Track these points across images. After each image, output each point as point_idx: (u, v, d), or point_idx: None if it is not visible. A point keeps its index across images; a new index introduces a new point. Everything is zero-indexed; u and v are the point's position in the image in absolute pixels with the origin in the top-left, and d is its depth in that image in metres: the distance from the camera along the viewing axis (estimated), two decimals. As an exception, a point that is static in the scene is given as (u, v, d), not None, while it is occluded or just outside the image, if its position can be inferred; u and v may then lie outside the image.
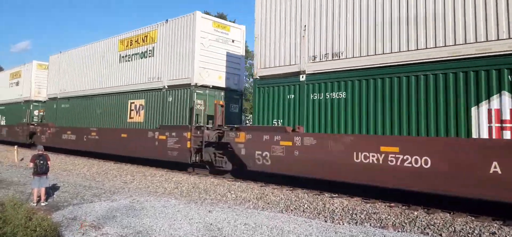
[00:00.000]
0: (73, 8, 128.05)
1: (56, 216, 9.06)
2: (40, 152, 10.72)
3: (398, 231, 8.31)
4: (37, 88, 31.86)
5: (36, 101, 31.62)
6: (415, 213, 9.34)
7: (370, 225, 8.77)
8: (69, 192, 12.24)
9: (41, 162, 10.50)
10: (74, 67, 25.41)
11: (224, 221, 8.58)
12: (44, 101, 29.98)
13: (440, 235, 8.01)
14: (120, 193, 12.23)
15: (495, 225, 8.26)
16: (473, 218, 8.84)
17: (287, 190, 12.46)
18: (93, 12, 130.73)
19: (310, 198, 11.18)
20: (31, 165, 10.63)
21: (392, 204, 10.27)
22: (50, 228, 7.69)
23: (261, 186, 13.28)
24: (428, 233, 8.12)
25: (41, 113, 30.42)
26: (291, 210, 10.22)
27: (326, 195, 11.64)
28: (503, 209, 8.93)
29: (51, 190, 11.74)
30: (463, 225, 8.28)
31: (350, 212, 9.66)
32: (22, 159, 21.82)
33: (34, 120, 31.09)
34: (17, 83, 34.46)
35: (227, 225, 8.24)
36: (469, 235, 7.85)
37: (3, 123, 35.81)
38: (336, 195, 11.58)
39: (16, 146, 25.08)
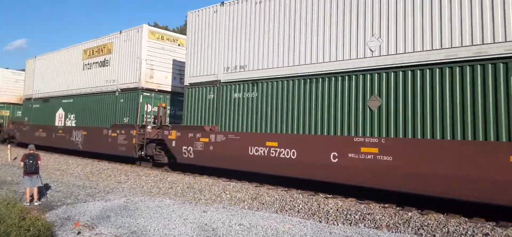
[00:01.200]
0: (69, 6, 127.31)
1: (50, 215, 9.00)
2: (31, 151, 10.64)
3: (392, 232, 8.36)
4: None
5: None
6: (409, 214, 9.39)
7: (365, 225, 8.80)
8: (63, 192, 12.17)
9: (31, 161, 10.41)
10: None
11: (218, 221, 8.57)
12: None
13: (434, 236, 8.05)
14: (114, 192, 12.18)
15: (488, 226, 8.33)
16: (466, 219, 8.91)
17: (281, 190, 12.48)
18: (89, 11, 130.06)
19: (305, 198, 11.21)
20: (22, 164, 10.56)
21: (386, 205, 10.33)
22: (43, 228, 7.64)
23: (256, 186, 13.29)
24: (421, 234, 8.17)
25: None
26: (286, 210, 10.24)
27: (321, 195, 11.67)
28: (495, 211, 9.02)
29: (44, 190, 11.66)
30: (456, 226, 8.34)
31: (345, 212, 9.70)
32: (15, 158, 21.67)
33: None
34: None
35: (222, 226, 8.23)
36: (462, 236, 7.90)
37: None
38: (331, 195, 11.63)
39: (9, 145, 25.48)
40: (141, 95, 18.87)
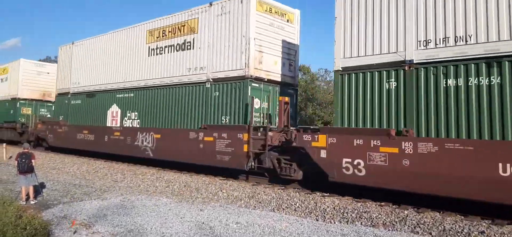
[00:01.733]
0: (65, 5, 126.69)
1: (46, 214, 8.98)
2: (25, 150, 10.67)
3: (389, 230, 8.39)
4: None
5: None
6: (406, 212, 9.44)
7: (361, 223, 8.84)
8: (59, 191, 12.13)
9: (23, 160, 10.40)
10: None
11: (216, 220, 8.58)
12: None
13: (430, 233, 8.10)
14: (110, 191, 12.15)
15: (484, 223, 8.38)
16: (462, 217, 8.96)
17: (278, 188, 12.49)
18: (84, 10, 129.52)
19: (302, 197, 11.23)
20: (16, 163, 10.57)
21: (382, 203, 10.36)
22: (40, 226, 7.63)
23: (252, 184, 13.30)
24: (418, 232, 8.21)
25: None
26: (283, 209, 10.26)
27: (318, 194, 11.69)
28: (491, 208, 9.07)
29: (40, 188, 11.62)
30: (452, 224, 8.38)
31: (341, 211, 9.73)
32: (10, 157, 21.56)
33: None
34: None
35: (219, 224, 8.24)
36: (458, 234, 7.95)
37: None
38: (328, 194, 11.65)
39: (4, 144, 24.55)
40: (249, 87, 14.20)
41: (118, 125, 19.63)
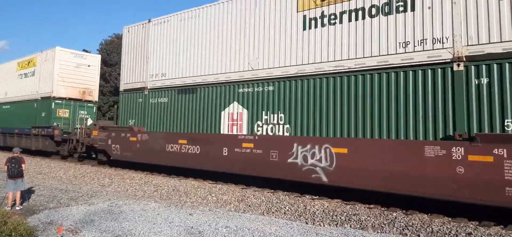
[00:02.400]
0: (53, 7, 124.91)
1: (32, 220, 8.81)
2: (15, 155, 10.53)
3: (378, 232, 8.43)
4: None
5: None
6: (394, 214, 9.50)
7: (350, 226, 8.86)
8: (45, 196, 11.93)
9: (13, 165, 10.27)
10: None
11: (205, 224, 8.51)
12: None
13: (418, 235, 8.16)
14: (98, 196, 11.99)
15: (471, 225, 8.48)
16: (450, 219, 9.06)
17: (268, 192, 12.47)
18: (74, 12, 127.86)
19: (291, 200, 11.22)
20: (6, 168, 10.41)
21: (371, 206, 10.42)
22: (26, 233, 7.48)
23: (242, 188, 13.26)
24: (406, 234, 8.27)
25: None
26: (273, 212, 10.24)
27: (307, 197, 11.70)
28: (476, 210, 9.18)
29: (26, 194, 11.41)
30: (440, 226, 8.46)
31: (331, 213, 9.75)
32: (-5, 162, 21.14)
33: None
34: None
35: (208, 228, 8.18)
36: (446, 236, 8.03)
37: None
38: (317, 197, 11.66)
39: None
40: None
41: (246, 132, 13.62)
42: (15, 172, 10.25)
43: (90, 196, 12.02)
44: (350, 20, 11.49)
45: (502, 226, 8.46)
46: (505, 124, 8.69)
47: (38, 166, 19.85)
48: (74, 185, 14.46)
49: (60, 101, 24.18)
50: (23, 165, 10.51)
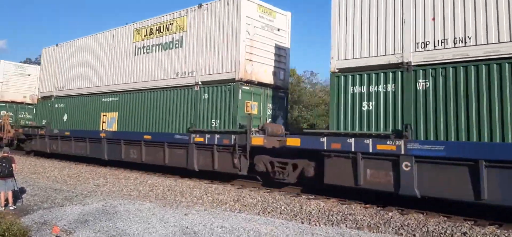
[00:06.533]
0: (51, 7, 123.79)
1: (25, 220, 8.74)
2: (4, 154, 10.47)
3: (373, 232, 8.42)
4: None
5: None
6: (390, 213, 9.49)
7: (346, 226, 8.85)
8: (39, 196, 11.84)
9: (4, 164, 10.18)
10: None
11: (200, 224, 8.47)
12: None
13: (414, 235, 8.16)
14: (92, 196, 11.92)
15: (466, 225, 8.48)
16: (445, 218, 9.06)
17: (264, 192, 12.44)
18: (71, 12, 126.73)
19: (287, 200, 11.20)
20: None
21: (367, 205, 10.41)
22: (19, 233, 7.42)
23: (238, 188, 13.22)
24: (402, 234, 8.26)
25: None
26: (268, 212, 10.20)
27: (303, 196, 11.69)
28: (475, 209, 9.19)
29: (20, 194, 11.32)
30: (435, 225, 8.46)
31: (327, 213, 9.73)
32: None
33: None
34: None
35: (203, 228, 8.14)
36: (442, 235, 8.02)
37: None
38: (313, 196, 11.65)
39: None
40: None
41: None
42: (5, 172, 10.16)
43: (85, 196, 11.94)
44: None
45: (497, 225, 8.47)
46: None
47: (33, 166, 19.72)
48: (69, 185, 14.36)
49: (248, 88, 14.34)
50: (13, 165, 10.43)
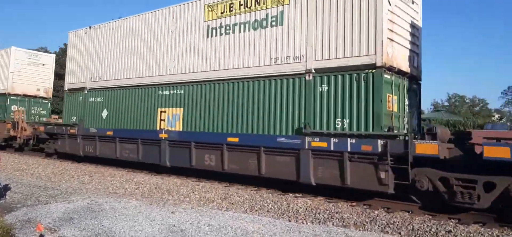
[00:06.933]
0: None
1: (9, 218, 8.57)
2: None
3: (360, 230, 8.50)
4: None
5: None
6: (376, 212, 9.59)
7: (333, 224, 8.90)
8: (23, 193, 11.64)
9: None
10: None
11: (187, 222, 8.43)
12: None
13: (399, 233, 8.25)
14: (77, 194, 11.76)
15: (451, 223, 8.62)
16: (430, 217, 9.19)
17: (251, 190, 12.45)
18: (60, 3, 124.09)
19: (275, 198, 11.22)
20: None
21: (354, 203, 10.49)
22: (2, 231, 7.27)
23: (225, 186, 13.20)
24: (388, 232, 8.35)
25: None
26: (256, 210, 10.21)
27: (290, 195, 11.72)
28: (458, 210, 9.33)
29: (3, 191, 11.11)
30: (421, 224, 8.57)
31: (314, 211, 9.77)
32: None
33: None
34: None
35: (190, 226, 8.10)
36: (427, 233, 8.13)
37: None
38: (300, 194, 11.69)
39: None
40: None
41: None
42: None
43: (70, 193, 11.78)
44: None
45: (481, 224, 8.63)
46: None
47: (16, 163, 19.38)
48: (53, 182, 14.15)
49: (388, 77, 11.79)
50: None
